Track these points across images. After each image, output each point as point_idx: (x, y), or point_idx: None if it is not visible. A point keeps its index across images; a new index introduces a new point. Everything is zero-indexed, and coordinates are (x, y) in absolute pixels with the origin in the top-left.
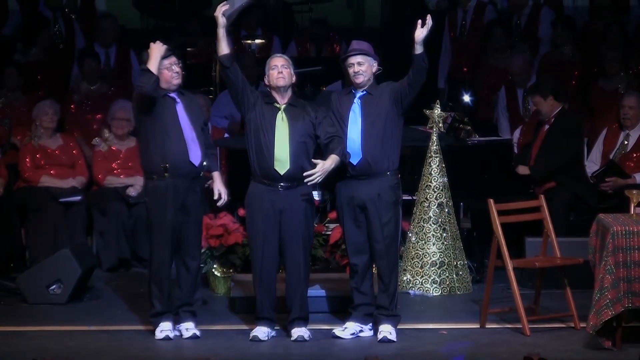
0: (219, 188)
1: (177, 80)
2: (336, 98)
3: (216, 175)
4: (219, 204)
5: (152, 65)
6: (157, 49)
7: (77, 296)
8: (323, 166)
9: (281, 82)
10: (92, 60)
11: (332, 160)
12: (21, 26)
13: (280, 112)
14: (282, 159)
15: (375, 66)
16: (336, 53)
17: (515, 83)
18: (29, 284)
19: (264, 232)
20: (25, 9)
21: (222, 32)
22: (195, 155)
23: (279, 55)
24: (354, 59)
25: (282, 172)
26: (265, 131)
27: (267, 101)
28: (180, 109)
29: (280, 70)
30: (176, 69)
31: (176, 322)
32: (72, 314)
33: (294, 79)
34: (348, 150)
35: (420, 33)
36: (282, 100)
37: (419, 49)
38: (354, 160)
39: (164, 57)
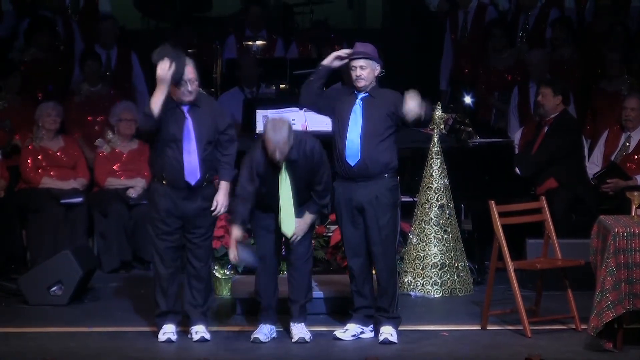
0: (218, 198)
1: (187, 98)
2: (339, 94)
3: (222, 184)
4: (213, 214)
5: (156, 102)
6: (162, 78)
7: (78, 297)
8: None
9: None
10: (94, 62)
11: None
12: (16, 27)
13: None
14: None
15: (377, 69)
16: None
17: (531, 75)
18: (30, 286)
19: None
20: (20, 10)
21: None
22: (192, 174)
23: None
24: (357, 63)
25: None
26: None
27: None
28: (187, 124)
29: None
30: (190, 87)
31: (187, 324)
32: (73, 315)
33: None
34: (346, 151)
35: (413, 108)
36: None
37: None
38: (352, 161)
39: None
